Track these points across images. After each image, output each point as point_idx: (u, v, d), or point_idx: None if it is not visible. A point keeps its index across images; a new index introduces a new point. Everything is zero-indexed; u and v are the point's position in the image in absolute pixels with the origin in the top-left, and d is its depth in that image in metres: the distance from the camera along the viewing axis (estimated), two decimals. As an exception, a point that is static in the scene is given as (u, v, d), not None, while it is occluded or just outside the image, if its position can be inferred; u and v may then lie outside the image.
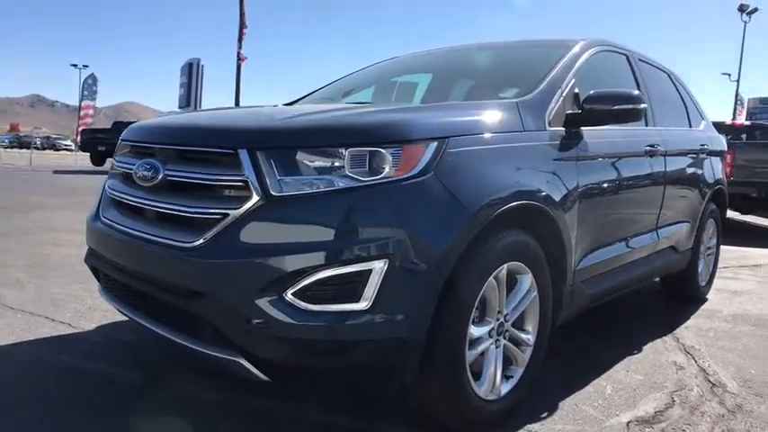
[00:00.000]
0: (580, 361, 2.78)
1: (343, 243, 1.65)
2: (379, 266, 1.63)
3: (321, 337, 1.66)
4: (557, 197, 2.18)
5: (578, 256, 2.41)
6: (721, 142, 4.42)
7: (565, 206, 2.23)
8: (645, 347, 3.04)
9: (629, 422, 2.16)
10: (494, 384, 2.04)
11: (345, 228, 1.66)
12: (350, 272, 1.63)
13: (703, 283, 4.13)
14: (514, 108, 2.21)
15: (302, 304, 1.63)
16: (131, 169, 2.07)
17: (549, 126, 2.31)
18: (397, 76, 3.43)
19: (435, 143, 1.80)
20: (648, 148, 3.05)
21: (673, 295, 4.13)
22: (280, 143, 1.76)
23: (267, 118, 2.08)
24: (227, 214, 1.71)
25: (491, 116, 2.10)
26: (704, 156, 3.88)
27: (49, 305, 3.25)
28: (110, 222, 2.14)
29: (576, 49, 2.79)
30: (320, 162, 1.73)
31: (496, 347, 2.06)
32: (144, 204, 1.98)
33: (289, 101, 3.43)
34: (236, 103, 15.19)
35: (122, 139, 2.33)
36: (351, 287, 1.64)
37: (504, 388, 2.10)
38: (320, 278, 1.63)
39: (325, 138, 1.76)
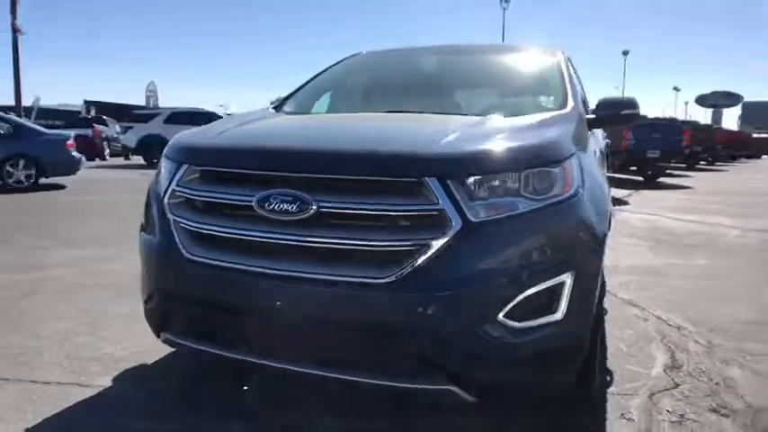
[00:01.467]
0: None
1: (541, 261, 1.80)
2: (568, 278, 1.82)
3: (528, 352, 1.80)
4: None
5: None
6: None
7: None
8: (605, 306, 3.68)
9: (664, 370, 2.71)
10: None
11: (540, 246, 1.81)
12: (548, 287, 1.79)
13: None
14: (581, 120, 2.50)
15: (511, 323, 1.75)
16: (247, 201, 1.87)
17: (587, 134, 2.67)
18: (392, 79, 3.44)
19: (575, 158, 2.01)
20: (604, 139, 3.65)
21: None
22: (468, 170, 1.80)
23: (438, 140, 1.95)
24: (428, 245, 1.72)
25: (577, 126, 2.36)
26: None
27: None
28: (220, 263, 1.91)
29: (561, 56, 3.19)
30: (499, 184, 1.82)
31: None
32: (292, 241, 1.82)
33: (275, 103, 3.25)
34: (17, 85, 12.67)
35: (203, 166, 2.05)
36: (548, 301, 1.81)
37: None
38: (525, 297, 1.76)
39: (505, 162, 1.85)
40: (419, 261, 1.71)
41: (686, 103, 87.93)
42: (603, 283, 2.25)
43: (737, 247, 5.84)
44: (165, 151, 2.31)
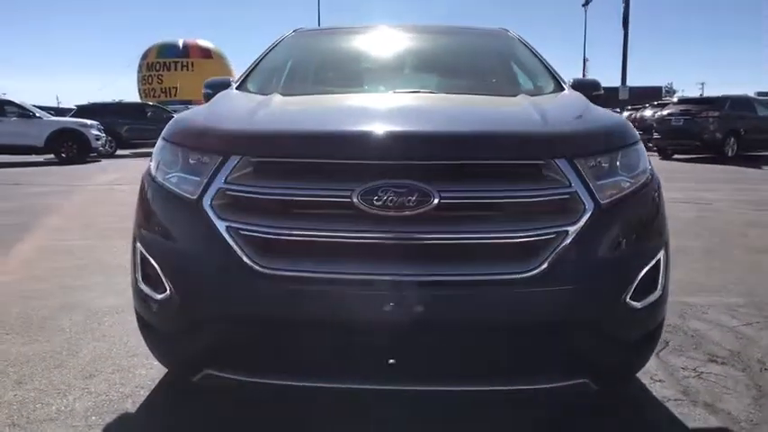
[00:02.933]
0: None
1: (649, 238, 1.81)
2: (663, 253, 1.86)
3: (644, 332, 1.81)
4: None
5: None
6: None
7: None
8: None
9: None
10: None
11: (646, 223, 1.82)
12: (653, 264, 1.81)
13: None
14: None
15: (634, 304, 1.73)
16: (344, 197, 1.57)
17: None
18: (366, 58, 3.14)
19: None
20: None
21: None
22: (589, 149, 1.72)
23: (544, 121, 1.83)
24: (565, 232, 1.61)
25: None
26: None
27: None
28: (310, 274, 1.56)
29: (515, 34, 3.24)
30: (608, 164, 1.78)
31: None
32: (411, 240, 1.56)
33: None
34: None
35: (268, 157, 1.66)
36: (653, 278, 1.83)
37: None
38: (642, 276, 1.75)
39: (610, 140, 1.82)
40: (558, 250, 1.59)
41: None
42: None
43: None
44: (171, 138, 1.83)
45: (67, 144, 15.22)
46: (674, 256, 4.52)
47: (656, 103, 20.24)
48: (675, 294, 3.51)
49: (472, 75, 2.95)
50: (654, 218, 1.86)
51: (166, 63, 38.79)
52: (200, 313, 1.69)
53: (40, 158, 15.67)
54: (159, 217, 1.81)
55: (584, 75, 51.55)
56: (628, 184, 1.80)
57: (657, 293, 1.82)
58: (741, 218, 6.40)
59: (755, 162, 14.61)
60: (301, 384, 1.64)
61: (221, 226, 1.62)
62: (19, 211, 6.87)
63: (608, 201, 1.70)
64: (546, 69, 2.90)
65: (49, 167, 14.02)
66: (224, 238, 1.61)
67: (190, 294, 1.70)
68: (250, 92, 2.62)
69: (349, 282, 1.55)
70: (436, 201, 1.56)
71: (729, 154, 15.16)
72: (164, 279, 1.74)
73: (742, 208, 7.11)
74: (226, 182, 1.66)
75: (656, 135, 16.24)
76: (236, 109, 2.04)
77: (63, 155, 15.18)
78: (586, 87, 2.94)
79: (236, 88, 2.71)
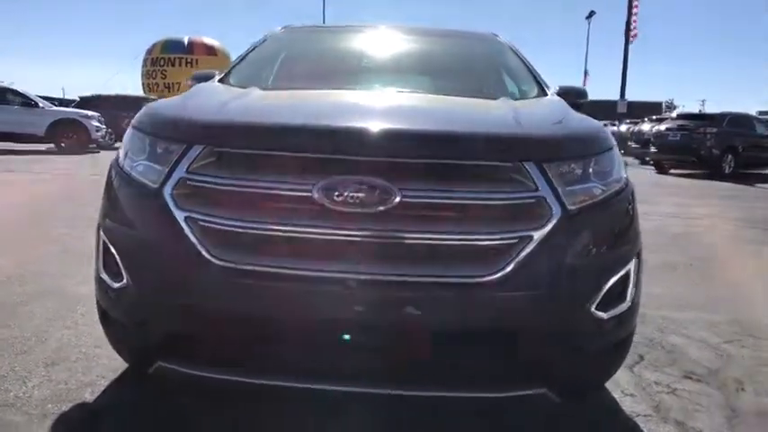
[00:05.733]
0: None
1: (618, 247, 1.76)
2: (634, 263, 1.81)
3: (610, 344, 1.76)
4: None
5: None
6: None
7: None
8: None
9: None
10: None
11: (616, 232, 1.77)
12: (622, 274, 1.76)
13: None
14: None
15: (600, 315, 1.69)
16: (304, 191, 1.52)
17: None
18: (356, 56, 3.09)
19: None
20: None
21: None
22: (560, 153, 1.68)
23: (517, 123, 1.80)
24: (529, 237, 1.56)
25: None
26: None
27: None
28: (266, 268, 1.52)
29: (504, 40, 3.20)
30: (580, 169, 1.74)
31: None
32: (371, 238, 1.52)
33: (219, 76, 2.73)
34: None
35: (231, 148, 1.61)
36: (622, 289, 1.78)
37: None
38: (609, 286, 1.70)
39: (583, 145, 1.78)
40: (522, 255, 1.55)
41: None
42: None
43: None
44: (141, 126, 1.78)
45: (67, 134, 15.26)
46: (658, 270, 4.57)
47: (654, 117, 20.22)
48: (657, 308, 3.48)
49: (457, 77, 2.91)
50: (626, 227, 1.82)
51: (170, 59, 38.75)
52: (154, 304, 1.65)
53: (42, 147, 15.66)
54: (122, 205, 1.77)
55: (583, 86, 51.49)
56: (600, 191, 1.76)
57: (626, 305, 1.78)
58: (731, 234, 6.37)
59: (753, 180, 14.61)
60: (253, 382, 1.59)
61: (180, 216, 1.58)
62: None
63: (577, 207, 1.66)
64: (531, 75, 2.86)
65: (46, 156, 13.97)
66: (182, 229, 1.57)
67: (144, 284, 1.66)
68: (232, 85, 2.58)
69: (305, 278, 1.51)
70: (398, 199, 1.52)
71: (726, 171, 15.15)
72: (121, 268, 1.70)
73: (733, 225, 7.07)
74: (187, 171, 1.62)
75: (652, 149, 16.21)
76: (208, 100, 1.99)
77: (62, 144, 15.21)
78: (571, 94, 2.90)
79: (219, 81, 2.68)
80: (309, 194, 1.52)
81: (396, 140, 1.61)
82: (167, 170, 1.64)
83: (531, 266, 1.55)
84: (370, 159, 1.55)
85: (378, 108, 2.03)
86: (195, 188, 1.61)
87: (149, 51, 42.37)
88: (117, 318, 1.77)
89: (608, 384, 2.40)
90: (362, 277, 1.49)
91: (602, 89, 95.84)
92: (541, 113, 2.02)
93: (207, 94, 2.13)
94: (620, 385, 2.42)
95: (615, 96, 22.62)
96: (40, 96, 16.86)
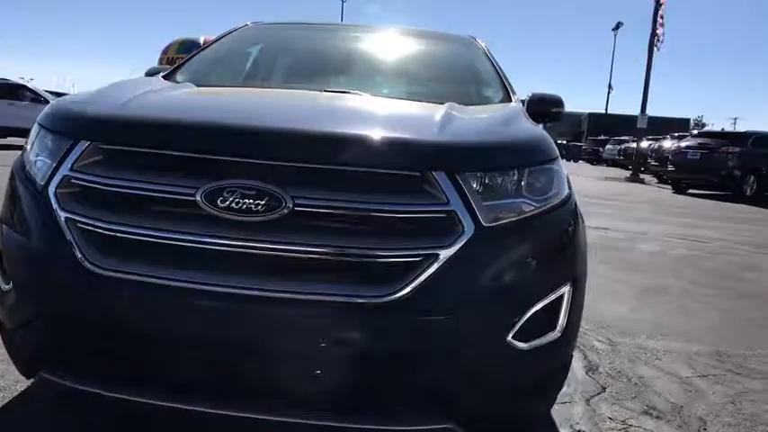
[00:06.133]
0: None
1: (547, 271, 1.59)
2: (568, 290, 1.64)
3: (531, 378, 1.59)
4: None
5: None
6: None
7: None
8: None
9: (587, 372, 2.71)
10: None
11: (546, 254, 1.61)
12: (551, 300, 1.60)
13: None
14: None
15: (519, 345, 1.52)
16: (188, 195, 1.39)
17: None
18: (310, 54, 2.98)
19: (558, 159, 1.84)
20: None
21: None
22: (477, 164, 1.52)
23: (435, 128, 1.63)
24: (435, 255, 1.41)
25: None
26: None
27: None
28: (144, 278, 1.39)
29: (482, 44, 3.04)
30: (506, 183, 1.59)
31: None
32: (256, 249, 1.38)
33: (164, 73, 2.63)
34: None
35: (115, 145, 1.49)
36: (550, 316, 1.61)
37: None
38: (532, 313, 1.54)
39: (511, 156, 1.61)
40: (425, 275, 1.39)
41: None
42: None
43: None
44: (41, 120, 1.68)
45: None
46: (648, 294, 4.34)
47: (676, 134, 19.75)
48: (633, 335, 3.27)
49: (412, 80, 2.76)
50: (559, 249, 1.65)
51: (185, 59, 39.13)
52: (31, 309, 1.53)
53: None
54: (14, 203, 1.66)
55: (606, 103, 50.60)
56: (531, 207, 1.59)
57: (554, 335, 1.61)
58: (736, 259, 6.08)
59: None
60: (128, 398, 1.46)
61: (62, 216, 1.47)
62: None
63: (496, 224, 1.50)
64: (499, 80, 2.70)
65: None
66: (62, 230, 1.45)
67: (23, 288, 1.55)
68: (177, 81, 2.47)
69: (183, 291, 1.37)
70: (289, 207, 1.38)
71: (748, 193, 14.66)
72: (6, 269, 1.60)
73: (741, 249, 6.77)
74: (72, 169, 1.50)
75: (670, 167, 15.79)
76: (118, 94, 1.88)
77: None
78: (546, 103, 2.74)
79: (164, 77, 2.57)
80: (192, 198, 1.39)
81: (289, 142, 1.47)
82: (53, 167, 1.53)
83: (436, 288, 1.40)
84: (259, 162, 1.41)
85: (289, 108, 1.90)
86: (79, 187, 1.49)
87: (165, 51, 42.88)
88: (5, 322, 1.67)
89: (558, 417, 2.23)
90: (244, 293, 1.36)
91: (630, 103, 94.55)
92: (480, 120, 1.86)
93: (121, 89, 2.02)
94: (572, 419, 2.24)
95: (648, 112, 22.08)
96: (51, 92, 17.24)
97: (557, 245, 1.65)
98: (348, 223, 1.41)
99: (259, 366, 1.40)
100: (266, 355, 1.40)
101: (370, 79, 2.69)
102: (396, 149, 1.48)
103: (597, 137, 39.63)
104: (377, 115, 1.86)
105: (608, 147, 33.50)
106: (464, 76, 2.89)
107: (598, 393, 2.50)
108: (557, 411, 2.26)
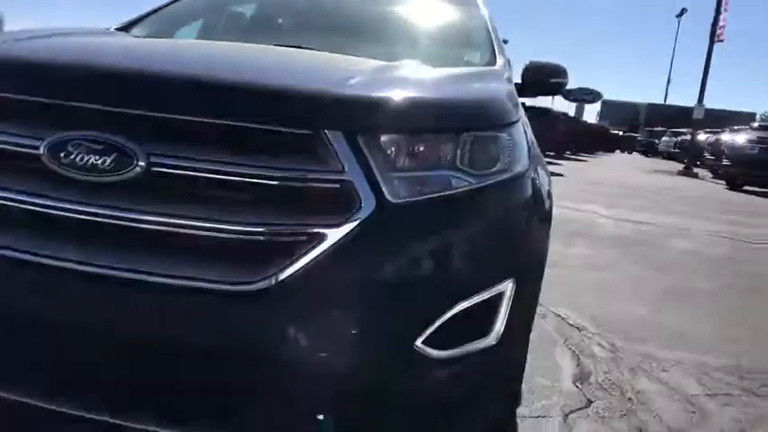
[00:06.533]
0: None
1: (477, 263, 1.28)
2: (509, 288, 1.32)
3: (450, 394, 1.28)
4: None
5: None
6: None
7: None
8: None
9: (575, 383, 2.36)
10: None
11: (478, 242, 1.28)
12: (485, 299, 1.28)
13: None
14: (509, 78, 2.00)
15: (433, 353, 1.22)
16: (32, 148, 1.15)
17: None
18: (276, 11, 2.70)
19: (521, 124, 1.51)
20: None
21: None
22: (388, 123, 1.21)
23: (345, 80, 1.33)
24: (320, 235, 1.11)
25: (512, 88, 1.86)
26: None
27: None
28: None
29: (484, 7, 2.68)
30: (428, 150, 1.27)
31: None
32: (96, 215, 1.12)
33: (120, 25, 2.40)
34: None
35: None
36: (481, 320, 1.30)
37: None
38: (455, 314, 1.23)
39: (438, 116, 1.29)
40: (305, 260, 1.11)
41: (552, 97, 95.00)
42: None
43: (613, 238, 5.89)
44: None
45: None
46: (670, 296, 3.89)
47: (735, 128, 18.46)
48: (643, 341, 2.89)
49: (386, 39, 2.43)
50: (502, 236, 1.33)
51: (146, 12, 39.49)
52: None
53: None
54: None
55: (666, 93, 48.19)
56: (464, 183, 1.27)
57: (486, 342, 1.29)
58: (786, 263, 5.49)
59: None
60: None
61: None
62: None
63: (408, 201, 1.19)
64: (489, 42, 2.35)
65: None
66: None
67: None
68: (133, 32, 2.25)
69: (14, 261, 1.13)
70: (142, 166, 1.11)
71: (811, 193, 13.56)
72: None
73: (794, 252, 6.13)
74: None
75: (725, 161, 14.75)
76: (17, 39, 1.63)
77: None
78: (543, 73, 2.38)
79: (119, 28, 2.35)
80: (36, 152, 1.14)
81: (143, 86, 1.20)
82: None
83: (319, 277, 1.11)
84: (112, 110, 1.15)
85: (181, 55, 1.61)
86: None
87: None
88: None
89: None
90: (74, 267, 1.10)
91: (692, 94, 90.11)
92: (422, 78, 1.53)
93: (29, 35, 1.79)
94: (542, 437, 1.93)
95: (708, 103, 20.64)
96: None
97: (498, 231, 1.32)
98: (213, 190, 1.14)
99: (89, 358, 1.14)
100: (94, 344, 1.13)
101: (340, 36, 2.38)
102: (281, 101, 1.19)
103: (654, 128, 37.86)
104: (288, 67, 1.55)
105: (664, 138, 31.97)
106: (447, 36, 2.55)
107: (581, 408, 2.16)
108: (522, 428, 1.94)
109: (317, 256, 1.11)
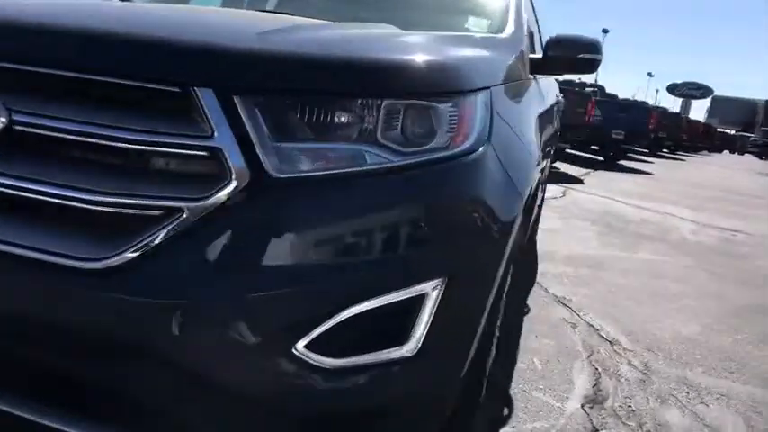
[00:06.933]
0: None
1: (392, 257, 1.04)
2: (436, 288, 1.08)
3: (348, 408, 1.06)
4: (544, 167, 1.84)
5: None
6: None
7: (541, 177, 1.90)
8: (529, 302, 3.01)
9: (582, 405, 2.04)
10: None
11: (394, 232, 1.04)
12: (396, 301, 1.04)
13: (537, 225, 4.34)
14: (518, 54, 1.71)
15: (319, 359, 1.00)
16: None
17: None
18: None
19: (484, 95, 1.24)
20: (556, 97, 2.89)
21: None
22: (277, 82, 1.00)
23: (239, 33, 1.16)
24: (177, 211, 0.94)
25: (506, 57, 1.58)
26: (560, 105, 3.91)
27: None
28: None
29: None
30: (337, 118, 1.04)
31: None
32: None
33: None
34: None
35: None
36: (394, 325, 1.06)
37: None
38: (351, 316, 1.01)
39: (351, 77, 1.05)
40: (159, 237, 0.93)
41: (657, 91, 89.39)
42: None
43: (692, 245, 5.28)
44: None
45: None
46: (740, 317, 3.36)
47: None
48: (685, 365, 2.49)
49: (389, 6, 2.17)
50: (429, 226, 1.08)
51: None
52: None
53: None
54: None
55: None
56: (382, 160, 1.04)
57: (400, 352, 1.05)
58: None
59: None
60: None
61: None
62: None
63: (296, 176, 0.98)
64: (503, 12, 2.04)
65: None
66: None
67: None
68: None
69: None
70: (3, 122, 0.99)
71: None
72: None
73: None
74: None
75: None
76: None
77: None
78: (569, 47, 2.05)
79: None
80: None
81: (13, 36, 1.06)
82: None
83: (174, 259, 0.93)
84: None
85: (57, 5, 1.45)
86: None
87: None
88: None
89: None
90: None
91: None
92: (343, 33, 1.26)
93: None
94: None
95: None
96: None
97: (422, 221, 1.07)
98: (76, 152, 0.99)
99: None
100: None
101: (345, 6, 2.17)
102: (147, 54, 0.99)
103: (771, 128, 34.40)
104: (186, 22, 1.31)
105: (783, 140, 28.92)
106: (450, 3, 2.26)
107: (584, 436, 1.85)
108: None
109: (174, 234, 0.93)
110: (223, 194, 0.94)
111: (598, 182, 9.43)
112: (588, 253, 4.32)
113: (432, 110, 1.11)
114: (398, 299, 1.04)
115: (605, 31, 48.61)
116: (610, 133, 12.85)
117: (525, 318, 2.76)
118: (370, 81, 1.06)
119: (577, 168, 10.69)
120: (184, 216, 0.93)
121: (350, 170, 1.02)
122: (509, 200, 1.26)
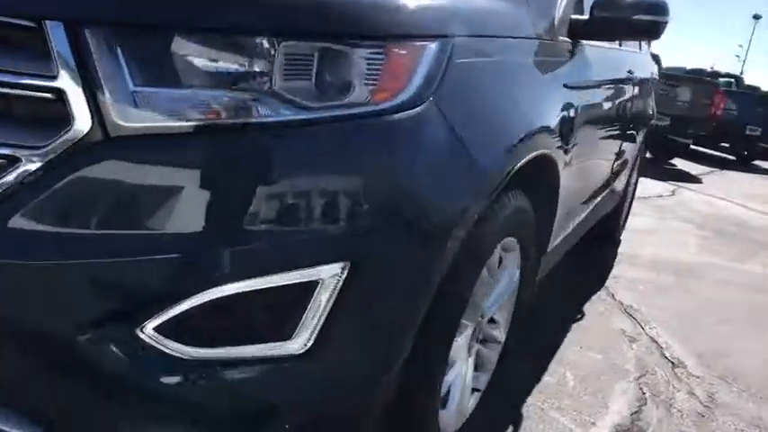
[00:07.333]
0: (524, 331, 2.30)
1: (267, 232, 0.85)
2: (330, 275, 0.87)
3: (215, 408, 0.89)
4: (565, 143, 1.52)
5: (561, 218, 1.81)
6: (655, 69, 4.01)
7: (567, 154, 1.59)
8: (584, 308, 2.64)
9: (609, 435, 1.71)
10: (463, 408, 1.45)
11: (274, 202, 0.85)
12: (276, 287, 0.85)
13: (622, 224, 3.86)
14: (525, 6, 1.43)
15: (179, 348, 0.84)
16: None
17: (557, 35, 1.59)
18: None
19: (437, 45, 1.00)
20: (628, 73, 2.48)
21: (593, 239, 3.79)
22: (140, 14, 0.84)
23: None
24: (14, 159, 0.82)
25: (497, 6, 1.31)
26: (650, 86, 3.42)
27: None
28: None
29: None
30: (223, 62, 0.86)
31: (469, 357, 1.44)
32: None
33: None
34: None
35: None
36: (276, 314, 0.88)
37: (471, 405, 1.53)
38: (218, 299, 0.83)
39: (240, 11, 0.87)
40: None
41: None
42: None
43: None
44: None
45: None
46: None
47: None
48: (760, 401, 2.03)
49: None
50: (320, 198, 0.86)
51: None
52: None
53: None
54: None
55: None
56: (275, 113, 0.85)
57: (284, 348, 0.87)
58: None
59: None
60: None
61: None
62: None
63: (153, 126, 0.82)
64: None
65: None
66: None
67: None
68: None
69: None
70: None
71: None
72: None
73: None
74: None
75: None
76: None
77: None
78: (621, 7, 1.70)
79: None
80: None
81: None
82: None
83: (4, 213, 0.81)
84: None
85: None
86: None
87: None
88: None
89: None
90: None
91: None
92: None
93: None
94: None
95: None
96: None
97: (317, 189, 0.86)
98: None
99: None
100: None
101: None
102: None
103: None
104: None
105: None
106: None
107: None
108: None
109: (9, 187, 0.81)
110: (60, 143, 0.80)
111: (720, 182, 8.37)
112: (680, 259, 3.77)
113: (351, 56, 0.90)
114: (283, 283, 0.85)
115: (757, 17, 43.11)
116: (744, 129, 11.37)
117: (573, 325, 2.42)
118: (261, 16, 0.86)
119: (700, 167, 9.56)
120: (19, 168, 0.81)
121: (223, 122, 0.84)
122: (460, 178, 1.01)
